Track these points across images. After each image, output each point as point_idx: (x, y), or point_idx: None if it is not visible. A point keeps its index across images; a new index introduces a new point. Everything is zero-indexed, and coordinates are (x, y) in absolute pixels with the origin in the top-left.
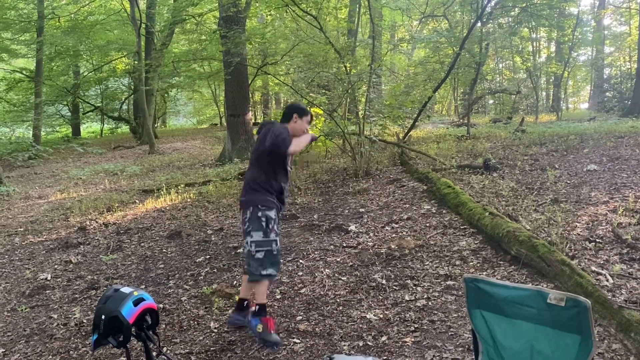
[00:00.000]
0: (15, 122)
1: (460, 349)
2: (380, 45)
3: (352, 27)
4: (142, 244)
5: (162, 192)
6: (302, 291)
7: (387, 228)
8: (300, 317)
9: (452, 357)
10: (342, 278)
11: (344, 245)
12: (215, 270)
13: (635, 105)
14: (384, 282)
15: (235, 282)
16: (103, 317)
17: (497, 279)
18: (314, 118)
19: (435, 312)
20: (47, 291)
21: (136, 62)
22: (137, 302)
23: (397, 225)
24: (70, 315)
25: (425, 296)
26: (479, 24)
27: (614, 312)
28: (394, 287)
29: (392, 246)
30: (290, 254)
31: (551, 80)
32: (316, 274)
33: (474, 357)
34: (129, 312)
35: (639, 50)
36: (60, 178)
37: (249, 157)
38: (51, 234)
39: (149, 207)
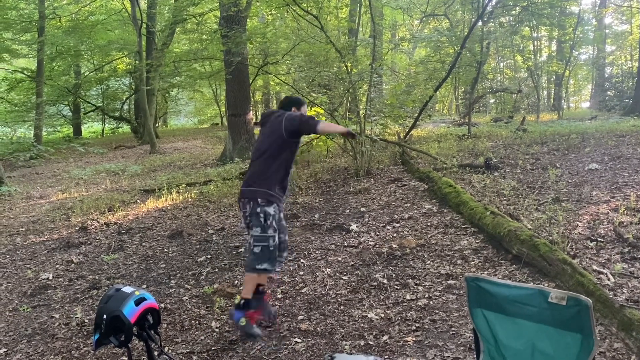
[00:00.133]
0: (17, 122)
1: (461, 348)
2: (381, 44)
3: (353, 27)
4: (144, 244)
5: (163, 192)
6: (303, 290)
7: (388, 227)
8: (302, 317)
9: (454, 357)
10: (344, 277)
11: (345, 244)
12: (216, 269)
13: (637, 104)
14: (385, 281)
15: (236, 281)
16: (104, 316)
17: (498, 278)
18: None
19: (437, 311)
20: (49, 291)
21: (137, 61)
22: (138, 302)
23: (398, 225)
24: (71, 315)
25: (427, 295)
26: (479, 23)
27: (616, 311)
28: (395, 286)
29: (394, 245)
30: (292, 254)
31: (552, 79)
32: (317, 274)
33: (475, 356)
34: (130, 311)
35: None
36: (61, 178)
37: (253, 153)
38: (53, 234)
39: (150, 206)
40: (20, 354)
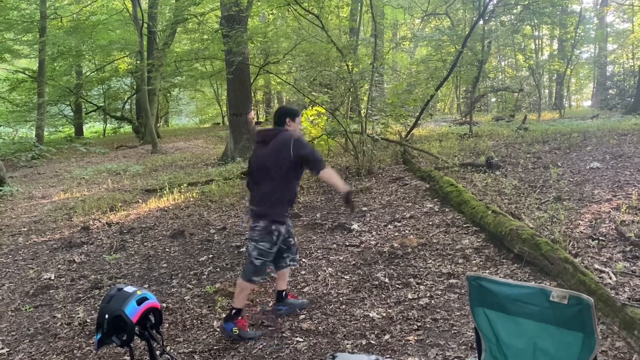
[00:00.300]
0: (18, 122)
1: (463, 347)
2: (382, 43)
3: (354, 26)
4: (145, 244)
5: (165, 192)
6: (305, 290)
7: (389, 227)
8: (304, 316)
9: (455, 356)
10: (345, 277)
11: (347, 244)
12: (218, 269)
13: (638, 102)
14: (386, 280)
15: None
16: (107, 316)
17: (500, 277)
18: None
19: (438, 310)
20: (51, 291)
21: (138, 61)
22: (140, 301)
23: (399, 224)
24: (74, 315)
25: (428, 294)
26: (481, 22)
27: (617, 309)
28: (397, 285)
29: (395, 245)
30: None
31: (554, 77)
32: (319, 273)
33: (477, 355)
34: (132, 311)
35: None
36: (63, 178)
37: (257, 172)
38: (54, 234)
39: (152, 206)
40: (23, 354)
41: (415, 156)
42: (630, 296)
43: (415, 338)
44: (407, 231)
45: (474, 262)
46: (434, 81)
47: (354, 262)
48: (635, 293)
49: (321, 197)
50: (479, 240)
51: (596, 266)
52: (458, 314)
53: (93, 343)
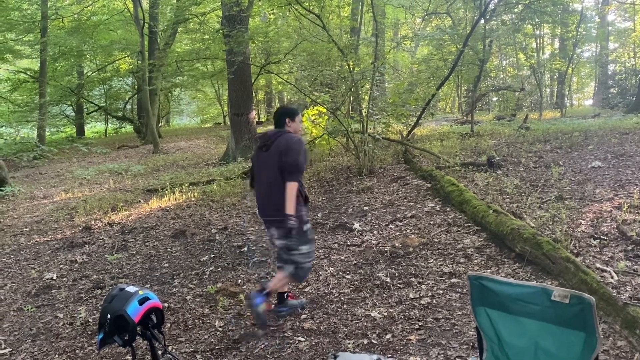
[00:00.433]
0: (20, 123)
1: (464, 346)
2: (383, 43)
3: (355, 25)
4: (147, 243)
5: (166, 192)
6: (306, 289)
7: (391, 226)
8: (305, 316)
9: (457, 355)
10: (347, 276)
11: (348, 243)
12: (219, 269)
13: None
14: (388, 280)
15: (239, 280)
16: (109, 316)
17: (501, 276)
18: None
19: (440, 309)
20: (53, 291)
21: (140, 61)
22: (142, 301)
23: (401, 223)
24: (76, 315)
25: (430, 294)
26: (482, 21)
27: (619, 309)
28: (398, 285)
29: (396, 244)
30: None
31: (555, 77)
32: (320, 273)
33: (478, 354)
34: (134, 311)
35: None
36: (64, 178)
37: (259, 178)
38: (56, 234)
39: (154, 206)
40: (25, 354)
41: (417, 155)
42: (631, 295)
43: (417, 337)
44: (408, 230)
45: (476, 261)
46: (435, 80)
47: (355, 262)
48: (637, 292)
49: (322, 197)
50: (480, 239)
51: (598, 265)
52: (459, 313)
53: (95, 343)
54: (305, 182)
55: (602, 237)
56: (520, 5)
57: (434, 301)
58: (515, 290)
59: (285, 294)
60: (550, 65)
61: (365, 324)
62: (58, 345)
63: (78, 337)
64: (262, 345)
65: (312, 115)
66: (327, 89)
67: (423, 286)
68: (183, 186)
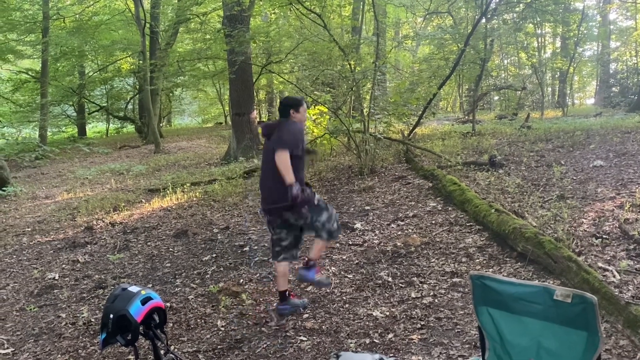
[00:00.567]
0: (22, 123)
1: (467, 346)
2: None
3: (356, 25)
4: (149, 243)
5: (168, 191)
6: (308, 289)
7: (392, 225)
8: (307, 315)
9: (459, 354)
10: (348, 276)
11: (350, 243)
12: (221, 268)
13: None
14: (390, 279)
15: (241, 280)
16: (111, 316)
17: (503, 275)
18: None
19: (442, 309)
20: (55, 290)
21: (141, 61)
22: (144, 301)
23: (402, 223)
24: (78, 315)
25: (432, 293)
26: (483, 20)
27: (621, 308)
28: (400, 284)
29: (398, 244)
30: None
31: (557, 76)
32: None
33: (480, 354)
34: (136, 310)
35: None
36: (66, 178)
37: (265, 162)
38: (58, 234)
39: (155, 206)
40: (28, 354)
41: (418, 155)
42: (634, 294)
43: (419, 337)
44: (410, 230)
45: (477, 260)
46: (436, 80)
47: (357, 261)
48: (639, 291)
49: (324, 197)
50: (482, 238)
51: (600, 264)
52: (461, 312)
53: (98, 342)
54: (307, 181)
55: (604, 236)
56: (521, 4)
57: (436, 300)
58: (518, 290)
59: (287, 292)
60: (551, 64)
61: (367, 323)
62: (60, 345)
63: (80, 337)
64: (264, 345)
65: (313, 115)
66: (328, 89)
67: (425, 285)
68: (185, 186)
